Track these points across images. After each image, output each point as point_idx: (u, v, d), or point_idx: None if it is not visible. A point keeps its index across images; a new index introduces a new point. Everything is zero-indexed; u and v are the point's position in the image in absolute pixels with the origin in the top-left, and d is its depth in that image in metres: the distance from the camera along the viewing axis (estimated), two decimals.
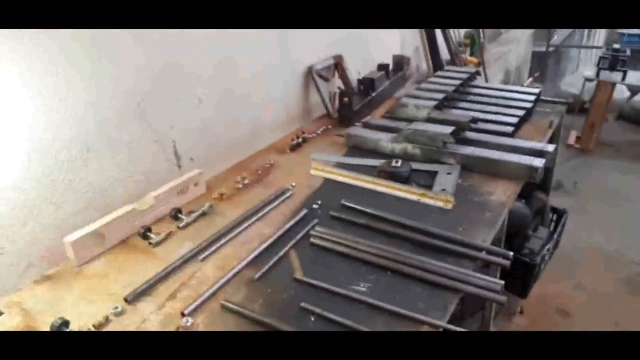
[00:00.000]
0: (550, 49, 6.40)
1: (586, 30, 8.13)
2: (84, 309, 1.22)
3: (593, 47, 8.62)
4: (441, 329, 1.13)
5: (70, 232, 1.37)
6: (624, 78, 4.89)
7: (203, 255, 1.39)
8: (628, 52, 4.98)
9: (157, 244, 1.46)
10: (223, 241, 1.45)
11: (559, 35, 7.02)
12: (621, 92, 6.05)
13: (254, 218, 1.56)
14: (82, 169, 1.47)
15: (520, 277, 2.12)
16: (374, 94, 2.43)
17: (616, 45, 5.28)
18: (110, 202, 1.56)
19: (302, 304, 1.18)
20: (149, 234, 1.47)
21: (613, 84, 5.08)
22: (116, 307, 1.21)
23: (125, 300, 1.24)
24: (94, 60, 1.44)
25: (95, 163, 1.51)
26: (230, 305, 1.19)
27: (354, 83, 2.53)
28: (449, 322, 1.17)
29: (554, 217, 2.62)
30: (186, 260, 1.38)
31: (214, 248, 1.42)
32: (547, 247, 2.26)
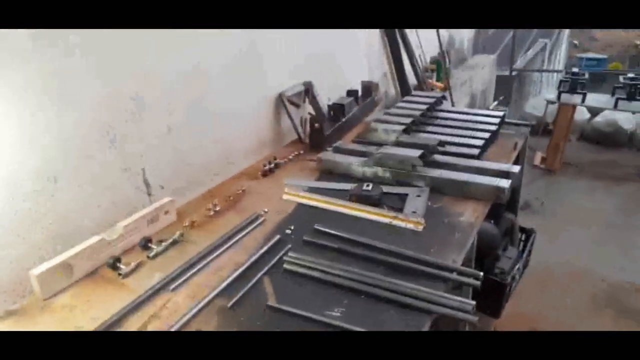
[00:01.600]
0: (514, 73, 6.62)
1: (547, 55, 8.46)
2: None
3: (554, 70, 8.97)
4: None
5: (36, 265, 1.34)
6: (583, 100, 5.09)
7: (174, 285, 1.37)
8: (587, 75, 5.19)
9: (127, 274, 1.43)
10: (194, 270, 1.43)
11: (522, 59, 7.28)
12: (582, 114, 6.27)
13: (226, 245, 1.54)
14: (49, 200, 1.44)
15: (492, 297, 2.14)
16: (344, 119, 2.47)
17: (575, 69, 5.49)
18: (78, 232, 1.53)
19: None
20: (118, 264, 1.44)
21: (574, 106, 5.27)
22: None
23: None
24: (59, 88, 1.43)
25: (62, 193, 1.48)
26: None
27: (324, 109, 2.56)
28: None
29: (523, 237, 2.67)
30: (157, 291, 1.35)
31: (185, 277, 1.40)
32: (517, 266, 2.30)
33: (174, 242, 1.57)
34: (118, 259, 1.46)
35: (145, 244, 1.54)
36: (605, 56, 11.00)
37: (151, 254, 1.50)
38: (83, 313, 1.29)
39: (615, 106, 4.95)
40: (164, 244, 1.54)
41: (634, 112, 5.47)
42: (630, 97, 4.83)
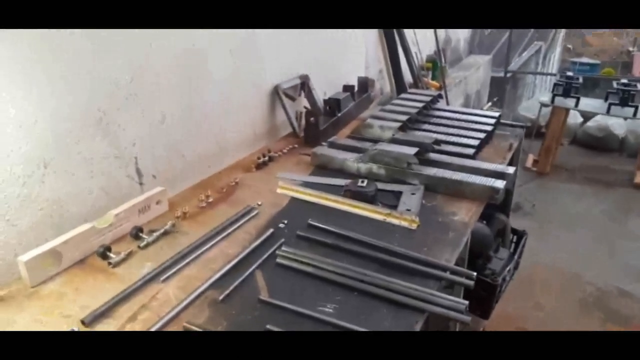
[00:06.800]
0: (508, 74, 6.64)
1: (541, 57, 8.50)
2: None
3: (548, 74, 9.01)
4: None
5: (25, 251, 1.31)
6: (577, 104, 5.11)
7: (165, 276, 1.35)
8: (580, 80, 5.21)
9: (117, 264, 1.41)
10: (186, 261, 1.41)
11: (516, 61, 7.31)
12: (575, 118, 6.31)
13: (219, 237, 1.53)
14: (39, 185, 1.42)
15: (482, 298, 2.15)
16: (339, 114, 2.45)
17: (569, 73, 5.52)
18: (68, 219, 1.51)
19: (268, 326, 1.16)
20: (108, 253, 1.42)
21: (567, 110, 5.30)
22: (72, 330, 1.15)
23: (83, 322, 1.18)
24: (54, 72, 1.40)
25: (53, 179, 1.45)
26: (193, 327, 1.16)
27: (320, 103, 2.54)
28: None
29: (514, 239, 2.68)
30: (147, 281, 1.33)
31: (176, 268, 1.38)
32: (508, 267, 2.30)
33: (166, 233, 1.55)
34: (108, 248, 1.43)
35: (136, 233, 1.52)
36: (598, 62, 11.09)
37: (142, 244, 1.48)
38: (71, 301, 1.27)
39: (608, 111, 4.98)
40: (155, 234, 1.52)
41: (625, 118, 5.51)
42: (623, 103, 4.86)
